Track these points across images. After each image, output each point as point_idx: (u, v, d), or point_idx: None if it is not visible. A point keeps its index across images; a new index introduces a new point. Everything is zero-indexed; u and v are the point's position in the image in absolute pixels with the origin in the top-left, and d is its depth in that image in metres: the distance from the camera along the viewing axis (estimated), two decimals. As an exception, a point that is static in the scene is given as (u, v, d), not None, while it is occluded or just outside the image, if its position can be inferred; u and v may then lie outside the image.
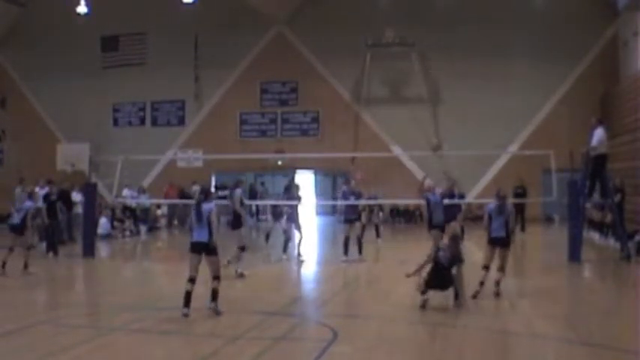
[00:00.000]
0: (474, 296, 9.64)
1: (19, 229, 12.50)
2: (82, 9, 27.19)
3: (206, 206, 8.67)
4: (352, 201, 14.43)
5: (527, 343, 7.52)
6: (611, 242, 16.54)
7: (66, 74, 29.72)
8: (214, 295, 8.57)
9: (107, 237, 20.04)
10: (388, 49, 26.66)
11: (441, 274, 9.00)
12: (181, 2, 26.48)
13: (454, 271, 9.12)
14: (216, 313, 8.52)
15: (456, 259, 9.14)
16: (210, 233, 8.55)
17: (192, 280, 8.51)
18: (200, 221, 8.59)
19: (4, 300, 10.01)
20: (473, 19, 26.07)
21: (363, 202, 15.03)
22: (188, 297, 8.42)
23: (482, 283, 9.92)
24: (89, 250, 15.34)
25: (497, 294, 9.91)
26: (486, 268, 10.17)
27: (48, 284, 12.17)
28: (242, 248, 12.20)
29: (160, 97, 29.87)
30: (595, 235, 18.45)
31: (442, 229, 12.62)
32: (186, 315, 8.32)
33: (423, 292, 8.95)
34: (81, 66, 29.79)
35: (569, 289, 11.72)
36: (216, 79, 28.90)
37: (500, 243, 10.23)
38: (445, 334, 7.82)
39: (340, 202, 15.12)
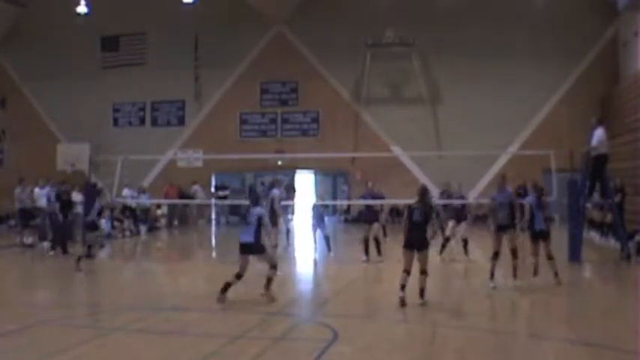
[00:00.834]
0: (535, 274, 10.84)
1: (94, 226, 14.18)
2: (82, 9, 27.20)
3: (255, 210, 9.35)
4: (371, 202, 14.61)
5: (527, 343, 7.52)
6: (611, 242, 16.54)
7: (66, 74, 29.69)
8: (268, 282, 9.24)
9: (107, 237, 20.03)
10: (388, 49, 26.64)
11: (417, 231, 9.19)
12: (181, 2, 26.49)
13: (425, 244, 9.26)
14: (271, 300, 9.17)
15: (429, 214, 9.28)
16: (257, 235, 9.24)
17: (238, 277, 9.18)
18: (249, 224, 9.31)
19: (4, 300, 10.00)
20: (473, 19, 26.07)
21: (370, 202, 14.96)
22: (227, 286, 9.08)
23: (536, 270, 10.93)
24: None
25: (560, 283, 10.67)
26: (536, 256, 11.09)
27: (48, 284, 12.16)
28: (274, 247, 12.40)
29: (160, 97, 29.82)
30: (595, 235, 18.44)
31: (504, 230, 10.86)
32: (221, 300, 8.98)
33: (402, 287, 9.05)
34: (81, 66, 29.78)
35: (569, 289, 11.70)
36: (216, 79, 28.87)
37: (542, 236, 11.00)
38: (445, 334, 7.81)
39: (339, 202, 15.08)
